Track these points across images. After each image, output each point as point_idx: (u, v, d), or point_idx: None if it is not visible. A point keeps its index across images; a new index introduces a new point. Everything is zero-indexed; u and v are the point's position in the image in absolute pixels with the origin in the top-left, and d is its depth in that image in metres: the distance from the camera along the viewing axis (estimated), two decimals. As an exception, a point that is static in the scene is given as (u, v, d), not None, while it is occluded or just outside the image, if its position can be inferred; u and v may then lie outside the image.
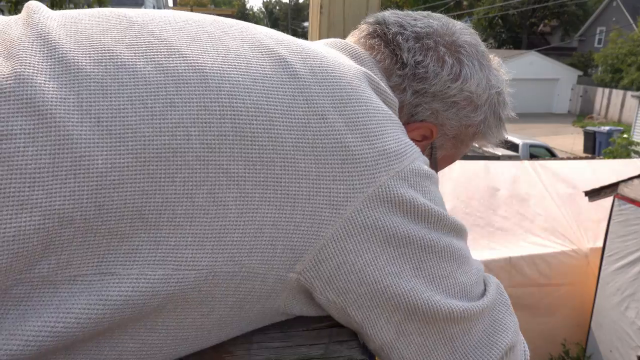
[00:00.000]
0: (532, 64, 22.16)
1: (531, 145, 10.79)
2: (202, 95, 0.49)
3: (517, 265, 3.79)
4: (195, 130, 0.48)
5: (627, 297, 3.56)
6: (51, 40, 0.49)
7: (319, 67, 0.57)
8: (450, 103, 0.69)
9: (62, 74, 0.47)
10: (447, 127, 0.71)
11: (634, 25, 22.17)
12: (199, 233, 0.48)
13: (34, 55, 0.48)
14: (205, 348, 0.57)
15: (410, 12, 0.74)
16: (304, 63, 0.57)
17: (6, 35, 0.50)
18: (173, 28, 0.55)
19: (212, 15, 0.62)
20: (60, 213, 0.43)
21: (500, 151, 7.00)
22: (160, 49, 0.52)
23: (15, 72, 0.45)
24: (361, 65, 0.65)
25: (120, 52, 0.50)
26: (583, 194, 3.94)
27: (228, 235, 0.49)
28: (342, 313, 0.57)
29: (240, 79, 0.52)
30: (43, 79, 0.46)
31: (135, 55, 0.50)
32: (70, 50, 0.49)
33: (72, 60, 0.48)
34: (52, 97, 0.45)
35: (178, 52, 0.52)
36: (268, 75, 0.53)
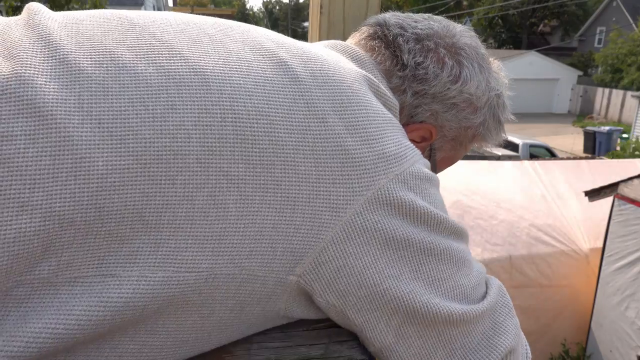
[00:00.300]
0: (532, 64, 22.17)
1: (531, 145, 10.79)
2: (203, 98, 0.49)
3: (517, 265, 3.79)
4: (196, 132, 0.48)
5: (627, 297, 3.56)
6: (52, 42, 0.49)
7: (320, 70, 0.57)
8: (450, 105, 0.69)
9: (63, 75, 0.47)
10: (447, 129, 0.71)
11: (634, 25, 22.17)
12: (199, 235, 0.48)
13: (35, 57, 0.48)
14: (205, 351, 0.57)
15: (411, 14, 0.74)
16: (304, 66, 0.57)
17: (7, 36, 0.50)
18: (174, 30, 0.55)
19: (213, 18, 0.62)
20: (61, 215, 0.43)
21: (500, 151, 7.01)
22: (162, 51, 0.52)
23: (16, 73, 0.45)
24: (362, 68, 0.65)
25: (121, 54, 0.50)
26: (583, 194, 3.94)
27: (228, 237, 0.49)
28: (342, 316, 0.57)
29: (241, 82, 0.52)
30: (44, 80, 0.46)
31: (136, 57, 0.50)
32: (71, 52, 0.49)
33: (74, 62, 0.48)
34: (52, 98, 0.45)
35: (179, 54, 0.52)
36: (269, 79, 0.53)
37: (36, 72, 0.46)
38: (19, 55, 0.47)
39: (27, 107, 0.44)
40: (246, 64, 0.54)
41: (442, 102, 0.69)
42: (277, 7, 58.02)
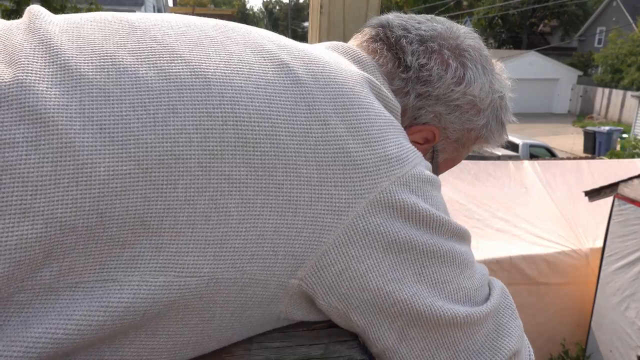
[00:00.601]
0: (532, 64, 22.16)
1: (531, 145, 10.79)
2: (204, 101, 0.49)
3: (517, 265, 3.79)
4: (198, 136, 0.48)
5: (627, 297, 3.56)
6: (53, 47, 0.49)
7: (321, 72, 0.57)
8: (454, 106, 0.69)
9: (64, 81, 0.47)
10: (450, 131, 0.71)
11: (634, 25, 22.17)
12: (200, 239, 0.48)
13: (36, 62, 0.47)
14: (205, 353, 0.57)
15: (414, 15, 0.74)
16: (306, 68, 0.57)
17: (8, 41, 0.50)
18: (175, 33, 0.55)
19: (214, 20, 0.62)
20: (62, 221, 0.43)
21: (500, 151, 7.00)
22: (163, 54, 0.51)
23: (18, 79, 0.45)
24: (363, 70, 0.64)
25: (122, 58, 0.50)
26: (583, 194, 3.94)
27: (230, 241, 0.49)
28: (345, 318, 0.57)
29: (242, 84, 0.52)
30: (45, 86, 0.46)
31: (137, 61, 0.50)
32: (72, 57, 0.49)
33: (75, 67, 0.48)
34: (54, 105, 0.45)
35: (180, 57, 0.52)
36: (270, 81, 0.53)
37: (37, 78, 0.46)
38: (20, 61, 0.47)
39: (29, 113, 0.44)
40: (247, 67, 0.54)
41: (445, 103, 0.68)
42: (277, 7, 58.01)
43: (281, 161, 0.50)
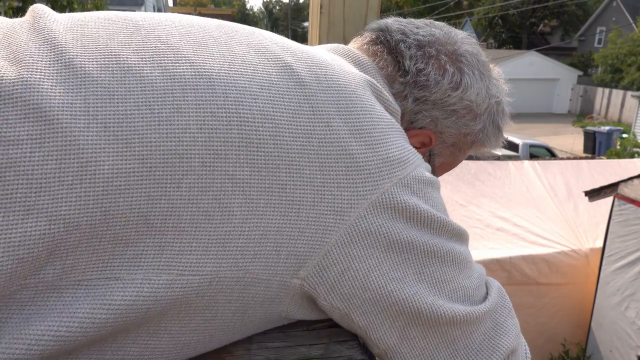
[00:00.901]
0: (532, 64, 22.17)
1: (531, 145, 10.79)
2: (208, 101, 0.49)
3: (517, 265, 3.79)
4: (202, 136, 0.48)
5: (627, 297, 3.56)
6: (58, 45, 0.49)
7: (324, 75, 0.58)
8: (450, 111, 0.69)
9: (68, 79, 0.47)
10: (446, 135, 0.72)
11: (634, 25, 22.17)
12: (203, 238, 0.48)
13: (41, 60, 0.48)
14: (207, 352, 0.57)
15: (412, 19, 0.74)
16: (309, 70, 0.57)
17: (12, 39, 0.50)
18: (179, 33, 0.55)
19: (217, 20, 0.62)
20: (66, 218, 0.43)
21: (500, 151, 7.01)
22: (167, 54, 0.52)
23: (22, 78, 0.45)
24: (364, 73, 0.65)
25: (127, 57, 0.50)
26: (583, 194, 3.94)
27: (232, 241, 0.49)
28: (346, 319, 0.58)
29: (246, 85, 0.52)
30: (50, 84, 0.46)
31: (142, 60, 0.50)
32: (77, 55, 0.49)
33: (79, 65, 0.48)
34: (58, 103, 0.45)
35: (184, 57, 0.52)
36: (274, 82, 0.54)
37: (42, 77, 0.46)
38: (24, 60, 0.47)
39: (33, 111, 0.44)
40: (251, 68, 0.54)
41: (442, 108, 0.69)
42: (277, 7, 58.01)
43: (284, 162, 0.51)
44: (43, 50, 0.49)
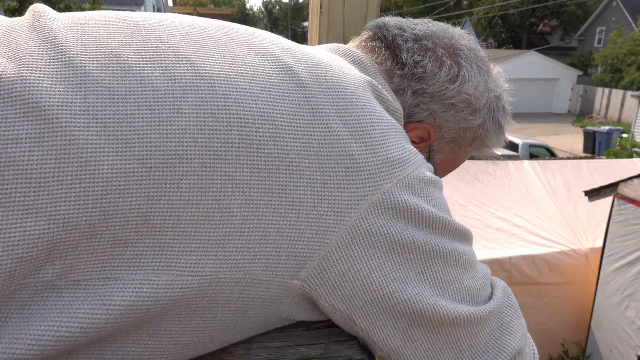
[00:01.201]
0: (532, 64, 22.16)
1: (531, 145, 10.79)
2: (209, 102, 0.50)
3: (517, 265, 3.79)
4: (202, 137, 0.48)
5: (627, 297, 3.56)
6: (58, 44, 0.49)
7: (325, 76, 0.58)
8: (449, 105, 0.69)
9: (68, 78, 0.47)
10: (445, 130, 0.71)
11: (633, 25, 22.16)
12: (203, 239, 0.48)
13: (41, 59, 0.47)
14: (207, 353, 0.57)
15: (411, 19, 0.75)
16: (309, 72, 0.57)
17: (12, 38, 0.50)
18: (180, 34, 0.55)
19: (218, 21, 0.62)
20: (66, 218, 0.43)
21: (500, 151, 7.01)
22: (168, 55, 0.52)
23: (22, 76, 0.45)
24: (365, 73, 0.65)
25: (127, 57, 0.50)
26: (583, 194, 3.94)
27: (232, 242, 0.49)
28: (348, 321, 0.57)
29: (247, 87, 0.52)
30: (49, 83, 0.46)
31: (142, 61, 0.50)
32: (77, 54, 0.49)
33: (79, 65, 0.48)
34: (58, 102, 0.45)
35: (185, 58, 0.52)
36: (275, 84, 0.54)
37: (42, 75, 0.46)
38: (24, 59, 0.47)
39: (33, 110, 0.44)
40: (252, 69, 0.54)
41: (440, 101, 0.69)
42: (277, 7, 58.00)
43: (285, 163, 0.51)
44: (43, 49, 0.49)
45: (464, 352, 0.58)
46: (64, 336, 0.44)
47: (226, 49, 0.55)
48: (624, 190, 3.56)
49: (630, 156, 9.42)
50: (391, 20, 0.73)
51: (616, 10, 25.87)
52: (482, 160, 4.79)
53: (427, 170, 0.59)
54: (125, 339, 0.49)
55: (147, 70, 0.49)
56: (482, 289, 0.60)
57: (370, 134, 0.56)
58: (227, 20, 0.70)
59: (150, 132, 0.47)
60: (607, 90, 21.31)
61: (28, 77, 0.45)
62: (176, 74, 0.50)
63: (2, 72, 0.45)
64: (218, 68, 0.52)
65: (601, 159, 6.16)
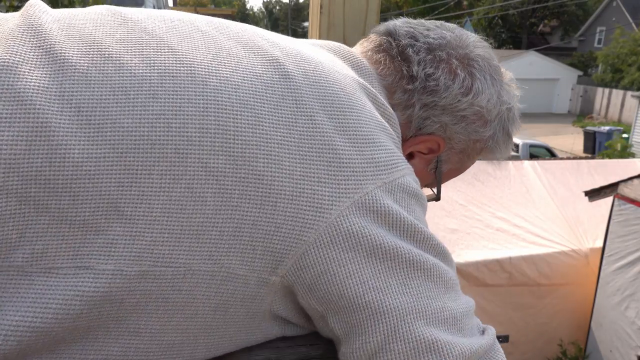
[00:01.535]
0: (532, 64, 22.16)
1: (531, 145, 10.80)
2: (187, 88, 0.49)
3: (517, 265, 3.79)
4: (176, 122, 0.48)
5: (627, 297, 3.57)
6: (42, 32, 0.50)
7: (313, 70, 0.57)
8: (460, 117, 0.67)
9: (48, 64, 0.47)
10: (455, 141, 0.69)
11: (634, 25, 22.16)
12: (175, 229, 0.47)
13: (23, 45, 0.48)
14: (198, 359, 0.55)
15: (423, 21, 0.72)
16: (297, 65, 0.56)
17: (1, 27, 0.51)
18: (167, 26, 0.55)
19: (209, 17, 0.62)
20: (36, 200, 0.44)
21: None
22: (150, 44, 0.52)
23: (1, 59, 0.46)
24: (361, 77, 0.63)
25: (108, 45, 0.50)
26: (583, 194, 3.94)
27: (206, 232, 0.48)
28: (324, 321, 0.55)
29: (228, 75, 0.52)
30: (28, 67, 0.46)
31: (123, 49, 0.50)
32: (59, 42, 0.49)
33: (60, 52, 0.48)
34: (34, 86, 0.45)
35: (168, 47, 0.52)
36: (258, 74, 0.53)
37: (21, 60, 0.47)
38: (7, 44, 0.48)
39: (7, 91, 0.44)
40: (236, 60, 0.54)
41: (452, 114, 0.67)
42: (277, 7, 58.00)
43: (263, 152, 0.50)
44: (26, 36, 0.50)
45: None
46: (38, 326, 0.44)
47: (212, 41, 0.55)
48: (624, 190, 3.56)
49: (625, 156, 9.42)
50: (402, 26, 0.70)
51: (616, 10, 25.87)
52: (483, 160, 4.78)
53: (413, 181, 0.57)
54: (106, 337, 0.49)
55: (126, 57, 0.50)
56: (465, 315, 0.55)
57: (356, 130, 0.54)
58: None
59: (123, 117, 0.46)
60: (607, 90, 21.31)
61: (7, 61, 0.46)
62: (156, 61, 0.50)
63: None
64: (200, 57, 0.52)
65: (601, 159, 6.16)
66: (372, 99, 0.61)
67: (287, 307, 0.56)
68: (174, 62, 0.51)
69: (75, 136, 0.45)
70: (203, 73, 0.51)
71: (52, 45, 0.49)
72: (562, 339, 4.07)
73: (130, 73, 0.48)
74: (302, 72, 0.56)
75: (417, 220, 0.55)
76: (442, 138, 0.69)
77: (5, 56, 0.46)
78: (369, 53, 0.70)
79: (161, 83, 0.49)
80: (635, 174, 3.61)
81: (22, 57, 0.47)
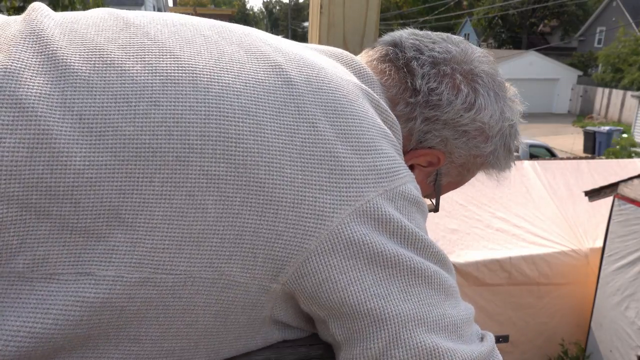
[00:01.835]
0: (532, 64, 22.18)
1: (531, 145, 10.79)
2: (188, 95, 0.49)
3: (517, 265, 3.79)
4: (178, 130, 0.48)
5: (627, 297, 3.57)
6: (44, 38, 0.50)
7: (316, 77, 0.56)
8: (461, 132, 0.67)
9: (50, 71, 0.47)
10: (455, 156, 0.69)
11: (634, 25, 22.16)
12: (176, 236, 0.47)
13: (25, 51, 0.48)
14: None
15: (429, 32, 0.72)
16: (299, 71, 0.56)
17: (3, 32, 0.51)
18: (169, 31, 0.55)
19: (213, 20, 0.62)
20: (37, 207, 0.44)
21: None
22: (152, 50, 0.52)
23: (3, 66, 0.46)
24: (364, 84, 0.63)
25: (110, 51, 0.50)
26: (583, 194, 3.94)
27: (207, 239, 0.48)
28: (326, 326, 0.55)
29: (230, 81, 0.51)
30: (30, 74, 0.46)
31: (126, 55, 0.50)
32: (61, 48, 0.49)
33: (62, 58, 0.48)
34: (35, 92, 0.45)
35: (170, 53, 0.52)
36: (260, 80, 0.53)
37: (23, 66, 0.47)
38: (9, 49, 0.48)
39: (8, 98, 0.44)
40: (238, 65, 0.53)
41: (453, 128, 0.66)
42: (277, 7, 58.00)
43: (264, 159, 0.49)
44: (28, 42, 0.49)
45: None
46: (39, 332, 0.44)
47: (214, 46, 0.55)
48: (624, 190, 3.56)
49: (629, 156, 9.42)
50: (408, 38, 0.70)
51: (616, 10, 25.87)
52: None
53: (414, 189, 0.57)
54: (106, 344, 0.48)
55: (128, 64, 0.49)
56: (465, 322, 0.56)
57: (358, 138, 0.54)
58: (226, 21, 0.70)
59: (125, 125, 0.46)
60: (607, 90, 21.31)
61: (9, 67, 0.46)
62: (158, 68, 0.50)
63: None
64: (202, 63, 0.52)
65: (601, 159, 6.16)
66: (375, 105, 0.60)
67: (288, 313, 0.56)
68: (176, 68, 0.50)
69: (76, 143, 0.45)
70: (205, 79, 0.50)
71: (54, 52, 0.49)
72: (564, 339, 4.07)
73: (132, 80, 0.48)
74: (304, 78, 0.55)
75: (418, 228, 0.55)
76: (443, 152, 0.68)
77: (7, 62, 0.46)
78: (374, 62, 0.69)
79: (163, 90, 0.49)
80: (635, 174, 3.61)
81: (24, 63, 0.47)
